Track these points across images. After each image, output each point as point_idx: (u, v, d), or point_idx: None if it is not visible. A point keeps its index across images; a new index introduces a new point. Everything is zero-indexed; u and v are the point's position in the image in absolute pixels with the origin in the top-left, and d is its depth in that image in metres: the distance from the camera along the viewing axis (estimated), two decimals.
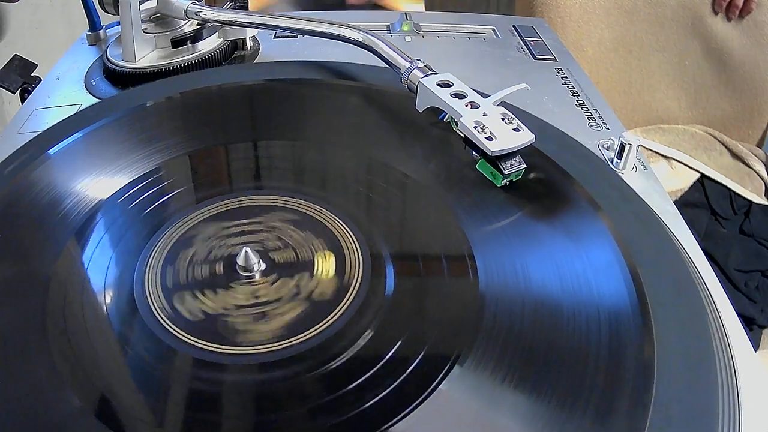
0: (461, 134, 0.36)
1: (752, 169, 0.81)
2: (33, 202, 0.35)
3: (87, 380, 0.26)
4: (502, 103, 0.38)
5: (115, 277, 0.31)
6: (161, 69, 0.48)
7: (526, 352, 0.27)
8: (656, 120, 0.87)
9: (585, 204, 0.34)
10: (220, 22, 0.49)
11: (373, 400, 0.25)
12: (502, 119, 0.36)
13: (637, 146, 0.39)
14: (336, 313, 0.29)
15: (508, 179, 0.35)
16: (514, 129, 0.35)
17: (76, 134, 0.40)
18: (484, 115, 0.36)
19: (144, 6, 0.49)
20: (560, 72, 0.52)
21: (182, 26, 0.50)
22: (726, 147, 0.82)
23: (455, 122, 0.37)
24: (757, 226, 0.76)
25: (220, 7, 0.50)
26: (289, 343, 0.27)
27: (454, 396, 0.25)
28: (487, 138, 0.35)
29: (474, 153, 0.36)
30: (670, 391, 0.25)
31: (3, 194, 0.35)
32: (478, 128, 0.35)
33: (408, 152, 0.39)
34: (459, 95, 0.38)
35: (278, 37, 0.56)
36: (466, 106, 0.37)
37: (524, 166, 0.35)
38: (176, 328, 0.28)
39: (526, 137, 0.35)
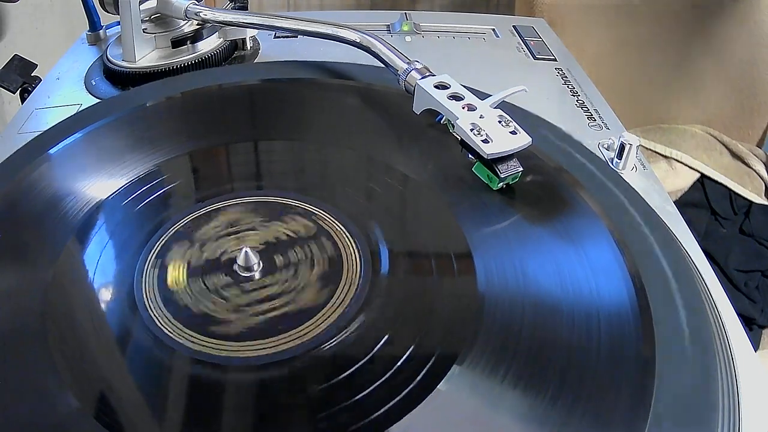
0: (458, 137, 0.36)
1: (752, 169, 0.81)
2: (33, 202, 0.35)
3: (86, 381, 0.26)
4: (501, 104, 0.38)
5: (115, 277, 0.31)
6: (161, 69, 0.48)
7: (526, 352, 0.27)
8: (656, 120, 0.87)
9: (585, 204, 0.34)
10: (219, 22, 0.49)
11: (373, 400, 0.25)
12: (499, 122, 0.36)
13: (637, 146, 0.39)
14: (335, 313, 0.29)
15: (505, 182, 0.35)
16: (510, 132, 0.35)
17: (76, 134, 0.40)
18: (481, 117, 0.36)
19: (144, 6, 0.49)
20: (560, 72, 0.52)
21: (182, 26, 0.50)
22: (726, 147, 0.82)
23: (452, 125, 0.37)
24: (757, 226, 0.76)
25: (220, 7, 0.50)
26: (288, 344, 0.27)
27: (454, 396, 0.25)
28: (483, 141, 0.34)
29: (470, 156, 0.36)
30: (670, 391, 0.25)
31: (3, 194, 0.35)
32: (475, 131, 0.35)
33: (407, 152, 0.39)
34: (456, 97, 0.38)
35: (278, 37, 0.56)
36: (463, 108, 0.37)
37: (521, 169, 0.35)
38: (176, 329, 0.28)
39: (522, 140, 0.35)
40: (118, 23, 0.51)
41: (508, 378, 0.26)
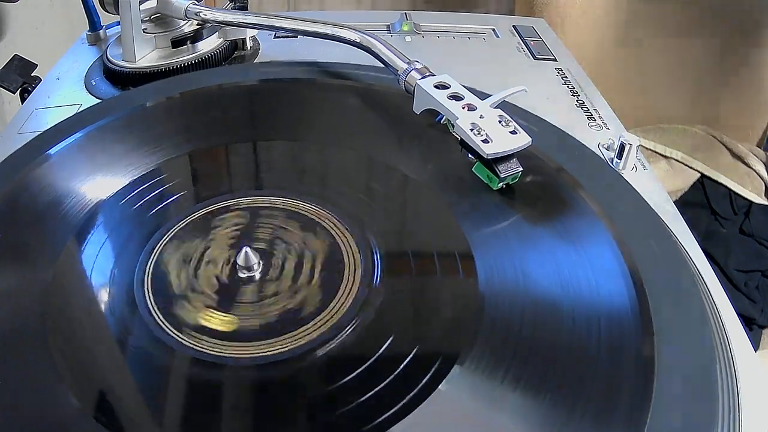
0: (458, 137, 0.36)
1: (752, 169, 0.81)
2: (33, 202, 0.35)
3: (86, 381, 0.26)
4: (502, 104, 0.38)
5: (115, 278, 0.31)
6: (161, 69, 0.48)
7: (526, 352, 0.27)
8: (656, 120, 0.87)
9: (585, 204, 0.34)
10: (219, 22, 0.49)
11: (373, 400, 0.25)
12: (499, 122, 0.36)
13: (637, 146, 0.39)
14: (336, 314, 0.29)
15: (504, 182, 0.35)
16: (510, 132, 0.35)
17: (76, 134, 0.40)
18: (481, 117, 0.36)
19: (144, 6, 0.49)
20: (560, 72, 0.52)
21: (182, 26, 0.50)
22: (726, 147, 0.82)
23: (452, 124, 0.37)
24: (757, 226, 0.76)
25: (220, 7, 0.50)
26: (289, 343, 0.27)
27: (454, 396, 0.25)
28: (483, 141, 0.34)
29: (470, 156, 0.36)
30: (670, 391, 0.25)
31: (3, 194, 0.35)
32: (475, 131, 0.35)
33: (407, 152, 0.39)
34: (456, 97, 0.38)
35: (278, 37, 0.56)
36: (463, 108, 0.37)
37: (521, 169, 0.35)
38: (176, 328, 0.28)
39: (522, 140, 0.35)
40: (118, 23, 0.51)
41: (509, 378, 0.26)
